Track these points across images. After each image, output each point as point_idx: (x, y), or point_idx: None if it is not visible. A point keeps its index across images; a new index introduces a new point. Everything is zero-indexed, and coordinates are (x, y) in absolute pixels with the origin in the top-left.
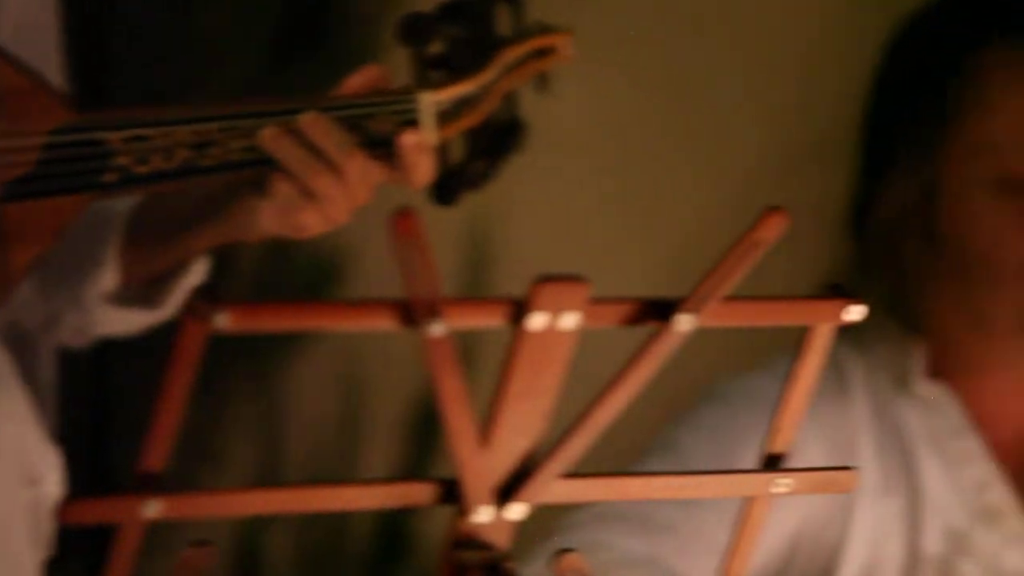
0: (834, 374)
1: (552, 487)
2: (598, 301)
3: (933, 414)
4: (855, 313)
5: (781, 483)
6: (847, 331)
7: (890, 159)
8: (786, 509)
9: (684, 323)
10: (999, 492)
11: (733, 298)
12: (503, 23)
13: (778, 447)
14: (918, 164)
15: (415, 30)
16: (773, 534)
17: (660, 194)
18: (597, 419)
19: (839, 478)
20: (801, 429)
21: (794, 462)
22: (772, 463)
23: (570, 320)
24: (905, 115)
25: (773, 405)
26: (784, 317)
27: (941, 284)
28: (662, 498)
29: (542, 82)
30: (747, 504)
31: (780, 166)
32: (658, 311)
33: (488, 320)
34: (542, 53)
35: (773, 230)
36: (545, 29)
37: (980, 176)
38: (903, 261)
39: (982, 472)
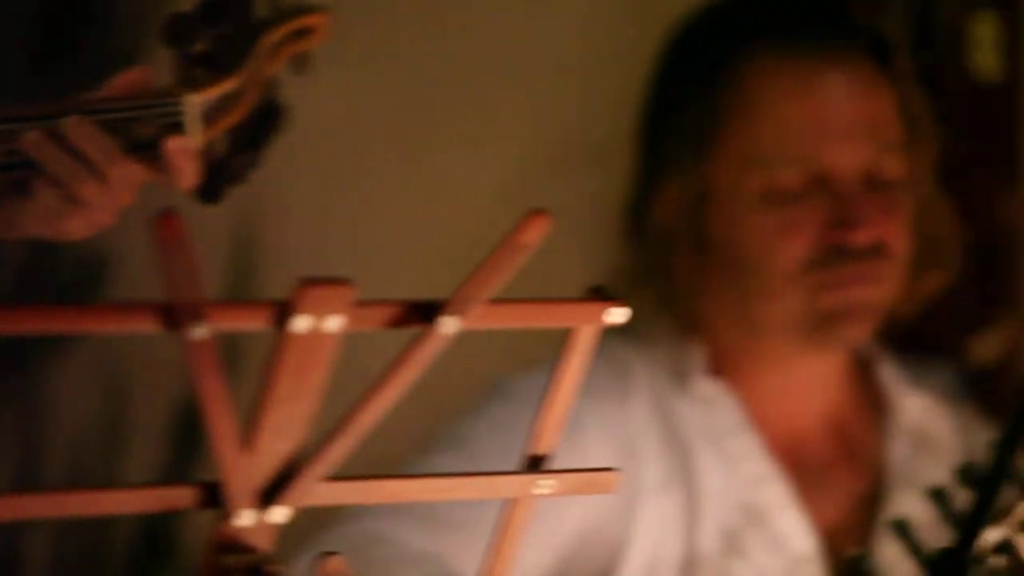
0: (617, 374)
1: (315, 490)
2: (362, 304)
3: (711, 412)
4: (617, 315)
5: (543, 485)
6: (630, 331)
7: (663, 164)
8: (570, 507)
9: (448, 326)
10: (774, 489)
11: (497, 300)
12: (262, 9)
13: (540, 449)
14: (690, 171)
15: (177, 31)
16: (557, 532)
17: (433, 194)
18: (361, 422)
19: (601, 479)
20: (585, 430)
21: (578, 462)
22: (534, 464)
23: (334, 323)
24: (677, 122)
25: None
26: (547, 319)
27: (713, 288)
28: (425, 500)
29: (301, 64)
30: (509, 506)
31: (558, 166)
32: (423, 313)
33: (252, 323)
34: (300, 34)
35: (535, 233)
36: (301, 9)
37: (747, 185)
38: (676, 264)
39: (758, 469)
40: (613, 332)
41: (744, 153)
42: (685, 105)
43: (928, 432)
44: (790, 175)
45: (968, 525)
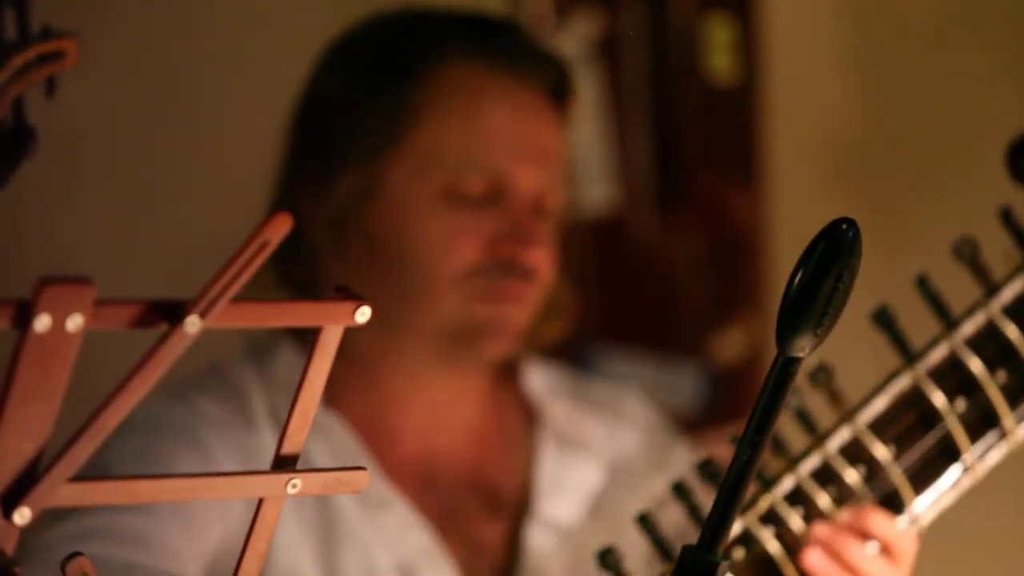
0: (236, 403)
1: (60, 491)
2: (105, 303)
3: (328, 438)
4: (365, 314)
5: (293, 483)
6: (249, 353)
7: (328, 161)
8: (210, 521)
9: (193, 325)
10: (400, 511)
11: (243, 300)
12: (9, 27)
13: (288, 449)
14: (362, 168)
15: None
16: (204, 541)
17: (172, 194)
18: (105, 422)
19: (350, 477)
20: (213, 453)
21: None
22: (283, 464)
23: (75, 322)
24: (353, 118)
25: (187, 433)
26: (295, 319)
27: (362, 287)
28: (174, 500)
29: (50, 87)
30: (260, 505)
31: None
32: (167, 313)
33: None
34: (48, 58)
35: (278, 231)
36: (49, 34)
37: (426, 185)
38: (326, 258)
39: (381, 493)
40: (234, 360)
41: (428, 155)
42: (366, 102)
43: (575, 436)
44: (471, 181)
45: (715, 520)
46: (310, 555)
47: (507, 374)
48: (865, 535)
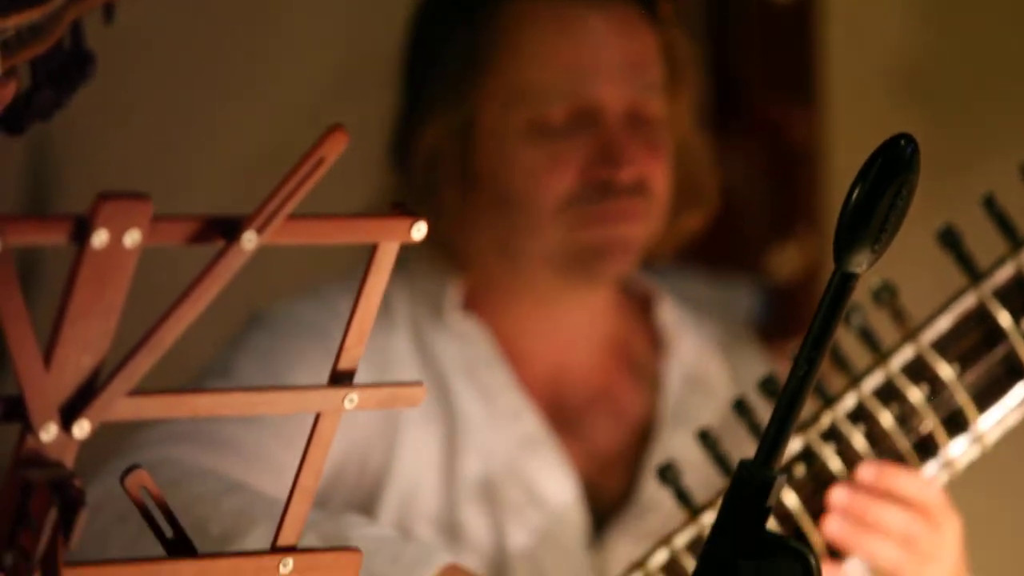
0: (381, 304)
1: (118, 405)
2: (162, 219)
3: (466, 346)
4: (420, 231)
5: (351, 399)
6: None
7: (427, 97)
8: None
9: (249, 241)
10: (530, 422)
11: (299, 216)
12: None
13: (345, 364)
14: (453, 105)
15: None
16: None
17: (226, 114)
18: (162, 337)
19: (407, 393)
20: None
21: None
22: (339, 379)
23: (132, 238)
24: (440, 57)
25: (316, 329)
26: (351, 235)
27: (477, 221)
28: (232, 414)
29: (108, 12)
30: (317, 420)
31: (342, 90)
32: (223, 229)
33: (50, 238)
34: None
35: (335, 148)
36: None
37: (513, 120)
38: (441, 197)
39: (512, 403)
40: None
41: (509, 89)
42: (448, 42)
43: (700, 374)
44: (555, 111)
45: (771, 435)
46: (434, 462)
47: (639, 303)
48: (888, 494)
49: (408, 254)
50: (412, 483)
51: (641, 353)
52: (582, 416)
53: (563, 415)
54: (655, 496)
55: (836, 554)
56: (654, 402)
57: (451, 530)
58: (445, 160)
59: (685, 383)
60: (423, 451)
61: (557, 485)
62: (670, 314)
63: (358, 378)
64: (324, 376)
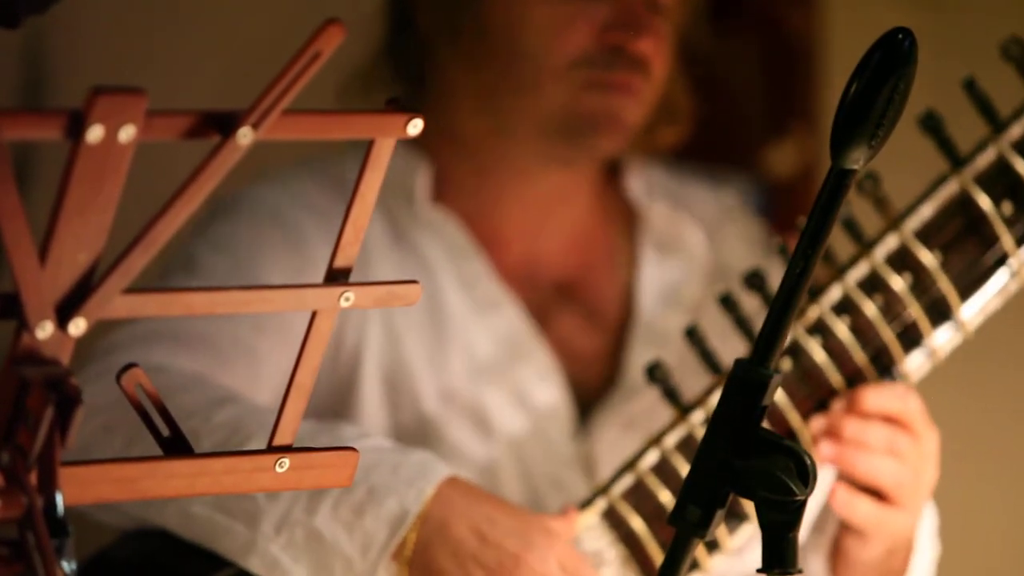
0: (341, 193)
1: (114, 303)
2: (157, 113)
3: (441, 236)
4: (416, 127)
5: (346, 296)
6: (358, 148)
7: None
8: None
9: (245, 136)
10: (506, 313)
11: (294, 111)
12: None
13: (341, 261)
14: None
15: None
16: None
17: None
18: (158, 234)
19: (401, 291)
20: (309, 243)
21: (308, 275)
22: (336, 277)
23: (128, 132)
24: None
25: (277, 214)
26: (346, 131)
27: (471, 84)
28: (227, 312)
29: None
30: (313, 317)
31: None
32: (219, 124)
33: (45, 133)
34: None
35: (330, 42)
36: None
37: None
38: (436, 59)
39: (489, 292)
40: (334, 147)
41: None
42: None
43: (673, 238)
44: None
45: (768, 333)
46: (420, 352)
47: (611, 177)
48: (864, 415)
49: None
50: (391, 361)
51: (615, 230)
52: (560, 302)
53: (540, 302)
54: (638, 379)
55: None
56: (632, 281)
57: (436, 425)
58: (461, 11)
59: (660, 253)
60: (399, 330)
61: (540, 378)
62: (639, 183)
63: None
64: (284, 263)
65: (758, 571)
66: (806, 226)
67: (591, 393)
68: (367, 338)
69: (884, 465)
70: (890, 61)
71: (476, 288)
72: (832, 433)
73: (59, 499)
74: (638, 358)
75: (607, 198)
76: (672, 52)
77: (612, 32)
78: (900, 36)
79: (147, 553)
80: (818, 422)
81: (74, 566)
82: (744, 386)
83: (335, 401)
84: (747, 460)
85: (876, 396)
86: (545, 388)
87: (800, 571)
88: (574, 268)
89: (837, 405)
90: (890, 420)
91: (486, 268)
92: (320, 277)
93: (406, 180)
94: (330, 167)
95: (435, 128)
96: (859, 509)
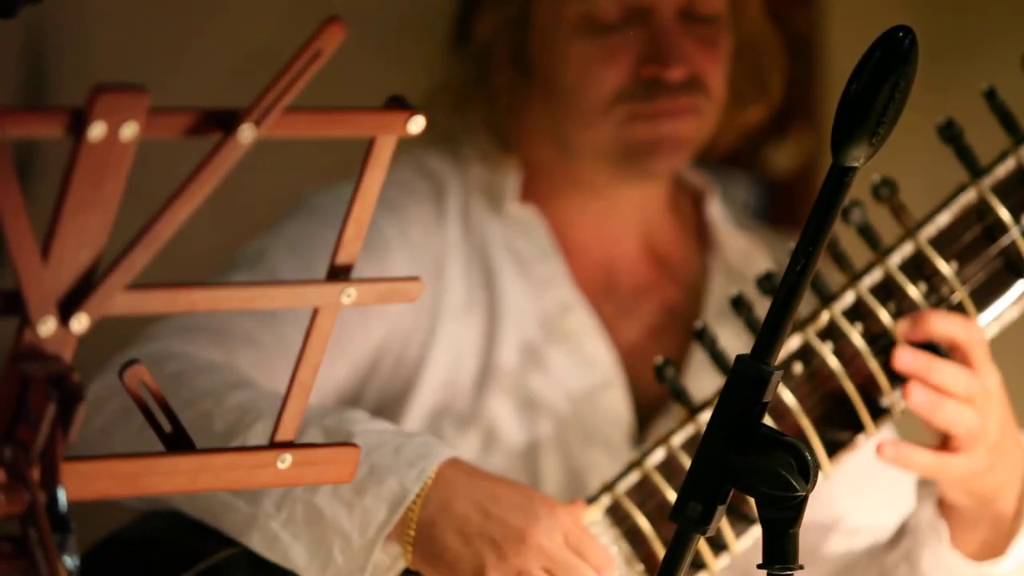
0: (432, 191)
1: (116, 299)
2: (159, 111)
3: (521, 235)
4: (417, 125)
5: (348, 293)
6: (449, 149)
7: None
8: (369, 324)
9: (246, 134)
10: (577, 316)
11: (296, 109)
12: None
13: (343, 258)
14: (507, 2)
15: None
16: (357, 347)
17: (227, 5)
18: (160, 231)
19: (404, 288)
20: (388, 248)
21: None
22: (337, 274)
23: (129, 130)
24: None
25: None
26: (348, 129)
27: (531, 110)
28: (230, 309)
29: None
30: (314, 314)
31: None
32: (221, 122)
33: (47, 130)
34: None
35: (332, 40)
36: None
37: (567, 13)
38: (497, 84)
39: (563, 295)
40: (433, 150)
41: None
42: None
43: (745, 272)
44: (607, 6)
45: (769, 330)
46: (473, 353)
47: (690, 199)
48: (941, 340)
49: (460, 140)
50: (450, 372)
51: (690, 246)
52: (629, 311)
53: (613, 305)
54: (700, 395)
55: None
56: (700, 295)
57: (483, 425)
58: (499, 49)
59: (730, 281)
60: (462, 344)
61: (605, 384)
62: (718, 211)
63: (423, 269)
64: (359, 269)
65: (759, 567)
66: (807, 224)
67: (654, 401)
68: (432, 350)
69: (967, 416)
70: (890, 59)
71: (547, 291)
72: (916, 374)
73: (61, 495)
74: (701, 369)
75: (685, 218)
76: (733, 44)
77: (648, 65)
78: (900, 34)
79: (161, 531)
80: (904, 356)
81: (77, 561)
82: (745, 382)
83: (382, 406)
84: (748, 456)
85: (942, 321)
86: (608, 394)
87: (801, 567)
88: (646, 277)
89: (902, 326)
90: (955, 347)
91: (562, 271)
92: None
93: (493, 180)
94: (426, 162)
95: (511, 140)
96: (916, 460)
